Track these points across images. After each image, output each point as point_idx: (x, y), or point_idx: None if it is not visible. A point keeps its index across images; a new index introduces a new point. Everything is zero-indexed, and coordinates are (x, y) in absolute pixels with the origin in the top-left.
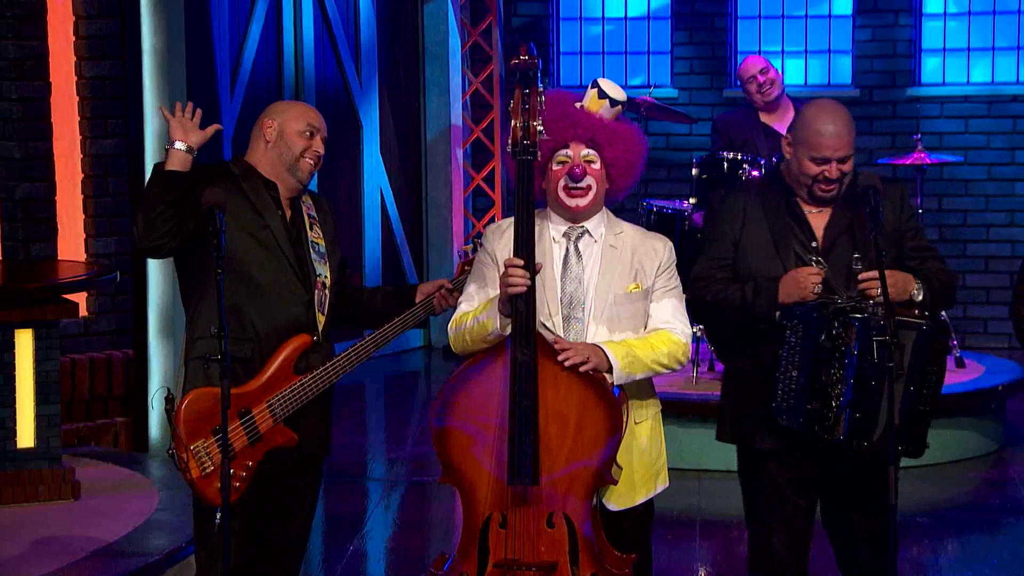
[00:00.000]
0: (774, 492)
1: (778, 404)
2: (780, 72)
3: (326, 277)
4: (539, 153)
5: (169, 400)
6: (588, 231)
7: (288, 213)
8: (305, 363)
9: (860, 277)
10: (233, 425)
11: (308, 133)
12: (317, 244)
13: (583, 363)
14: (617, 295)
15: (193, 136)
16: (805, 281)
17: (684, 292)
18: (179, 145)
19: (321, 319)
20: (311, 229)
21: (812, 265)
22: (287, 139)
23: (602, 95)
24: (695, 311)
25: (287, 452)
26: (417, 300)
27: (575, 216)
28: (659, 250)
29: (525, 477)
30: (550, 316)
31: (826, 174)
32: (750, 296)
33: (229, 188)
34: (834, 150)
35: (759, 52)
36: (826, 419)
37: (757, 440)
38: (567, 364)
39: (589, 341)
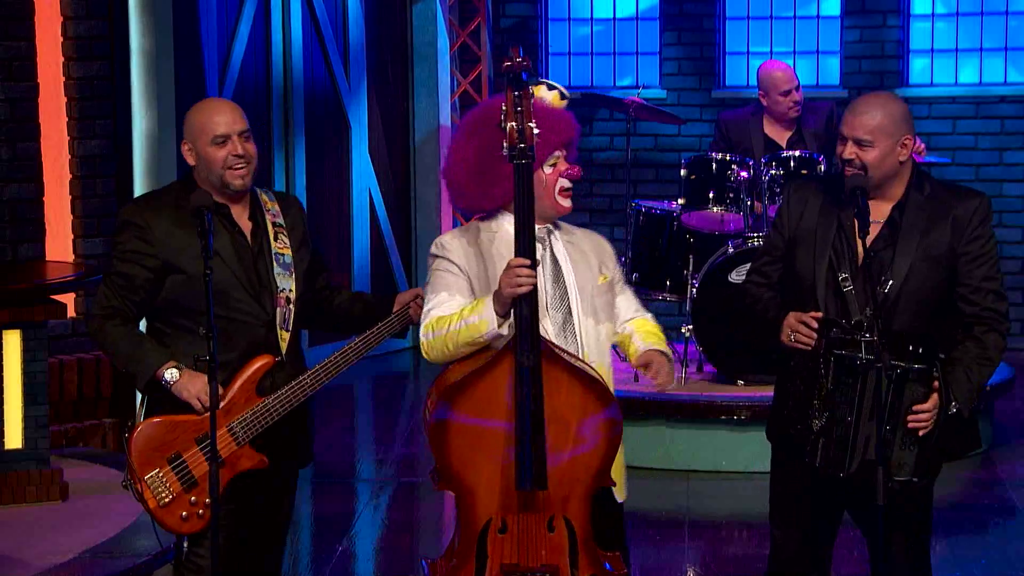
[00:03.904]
0: (787, 492)
1: (788, 412)
2: None
3: (291, 291)
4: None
5: (129, 429)
6: (553, 230)
7: (248, 227)
8: (269, 383)
9: (915, 409)
10: (191, 452)
11: (220, 141)
12: (282, 256)
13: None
14: (595, 287)
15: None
16: (790, 332)
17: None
18: (174, 385)
19: (285, 336)
20: (276, 240)
21: (841, 278)
22: (204, 158)
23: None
24: (743, 301)
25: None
26: (394, 310)
27: (555, 217)
28: (605, 244)
29: (535, 482)
30: (547, 314)
31: (844, 154)
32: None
33: (180, 218)
34: (851, 128)
35: (747, 53)
36: (807, 442)
37: (782, 441)
38: (669, 388)
39: (579, 335)
